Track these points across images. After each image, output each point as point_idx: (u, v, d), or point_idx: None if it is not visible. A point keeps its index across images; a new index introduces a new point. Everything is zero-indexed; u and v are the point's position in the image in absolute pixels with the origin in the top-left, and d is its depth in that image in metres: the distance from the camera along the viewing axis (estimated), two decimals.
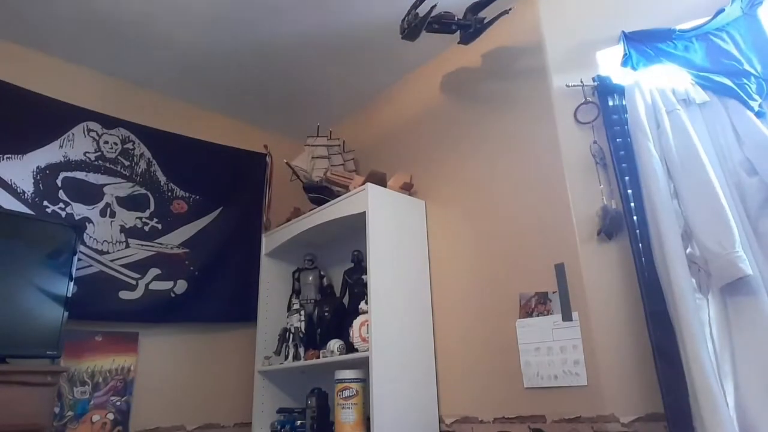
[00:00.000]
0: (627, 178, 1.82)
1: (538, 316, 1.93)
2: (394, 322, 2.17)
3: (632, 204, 1.78)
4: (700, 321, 1.57)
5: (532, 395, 1.89)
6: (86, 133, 2.56)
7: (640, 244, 1.73)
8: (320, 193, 2.68)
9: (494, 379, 2.03)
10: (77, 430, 2.23)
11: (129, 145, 2.70)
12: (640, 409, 1.63)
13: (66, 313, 2.04)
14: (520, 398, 1.92)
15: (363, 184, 2.38)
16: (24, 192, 2.28)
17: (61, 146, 2.46)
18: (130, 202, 2.62)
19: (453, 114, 2.53)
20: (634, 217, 1.77)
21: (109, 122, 2.64)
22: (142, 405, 2.44)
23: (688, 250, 1.68)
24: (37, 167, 2.36)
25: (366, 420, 2.11)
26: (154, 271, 2.59)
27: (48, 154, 2.41)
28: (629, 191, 1.80)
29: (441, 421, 2.17)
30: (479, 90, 2.43)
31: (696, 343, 1.51)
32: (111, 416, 2.33)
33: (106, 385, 2.35)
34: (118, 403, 2.36)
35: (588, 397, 1.72)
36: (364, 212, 2.27)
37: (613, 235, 1.83)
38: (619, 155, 1.85)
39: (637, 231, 1.75)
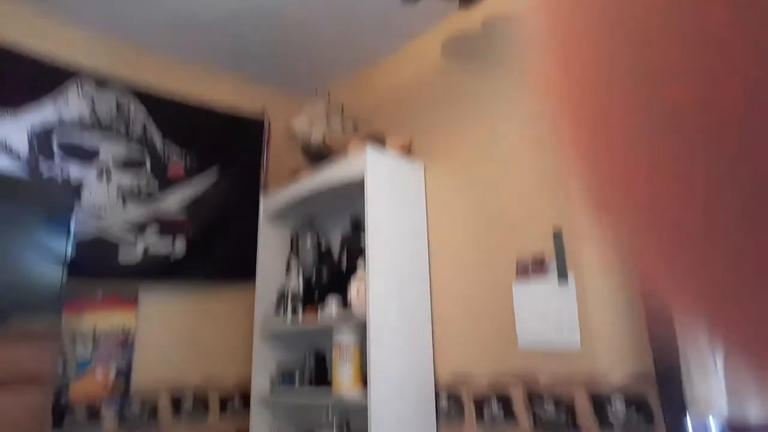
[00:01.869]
0: None
1: (534, 279, 1.95)
2: (392, 285, 2.19)
3: None
4: None
5: (527, 356, 1.92)
6: (81, 94, 2.51)
7: None
8: (319, 156, 2.66)
9: (490, 340, 2.06)
10: (79, 387, 2.28)
11: (125, 108, 2.65)
12: (633, 370, 1.67)
13: (65, 274, 2.06)
14: (515, 359, 1.96)
15: (361, 146, 2.35)
16: (19, 153, 2.26)
17: (55, 107, 2.42)
18: (126, 165, 2.60)
19: (453, 77, 2.48)
20: None
21: (103, 83, 2.59)
22: (143, 362, 2.49)
23: None
24: (32, 127, 2.33)
25: (363, 379, 2.16)
26: (152, 233, 2.59)
27: (42, 115, 2.37)
28: None
29: (436, 382, 2.22)
30: (481, 54, 2.38)
31: None
32: (113, 374, 2.37)
33: (107, 343, 2.39)
34: (120, 361, 2.41)
35: (582, 360, 1.75)
36: (363, 175, 2.26)
37: None
38: None
39: None
